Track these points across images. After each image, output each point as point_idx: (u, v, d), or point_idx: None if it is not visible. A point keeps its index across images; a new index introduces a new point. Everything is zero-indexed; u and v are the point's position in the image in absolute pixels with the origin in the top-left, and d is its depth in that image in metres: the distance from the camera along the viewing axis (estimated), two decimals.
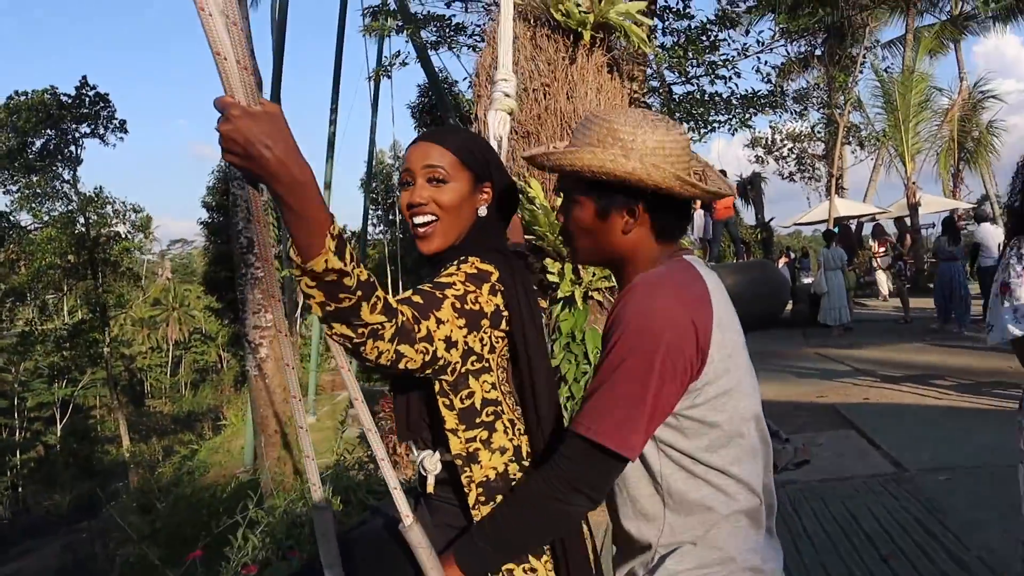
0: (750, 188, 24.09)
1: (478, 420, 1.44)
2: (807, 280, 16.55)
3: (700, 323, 1.32)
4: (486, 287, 1.43)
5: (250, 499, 4.43)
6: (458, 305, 1.37)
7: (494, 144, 2.81)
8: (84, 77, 25.89)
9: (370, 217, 32.25)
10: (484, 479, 1.44)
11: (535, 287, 1.58)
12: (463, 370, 1.42)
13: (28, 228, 26.80)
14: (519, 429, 1.49)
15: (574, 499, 1.31)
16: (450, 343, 1.35)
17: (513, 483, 1.46)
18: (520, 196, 3.08)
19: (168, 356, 51.37)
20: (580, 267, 5.30)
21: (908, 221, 19.15)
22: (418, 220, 1.53)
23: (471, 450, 1.44)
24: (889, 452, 5.75)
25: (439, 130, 1.60)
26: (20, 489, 38.42)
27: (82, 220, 26.25)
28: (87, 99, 24.14)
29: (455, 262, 1.47)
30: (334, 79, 17.04)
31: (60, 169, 25.15)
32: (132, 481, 22.30)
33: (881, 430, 6.35)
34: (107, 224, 27.69)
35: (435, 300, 1.35)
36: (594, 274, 5.27)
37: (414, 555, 1.35)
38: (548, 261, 5.26)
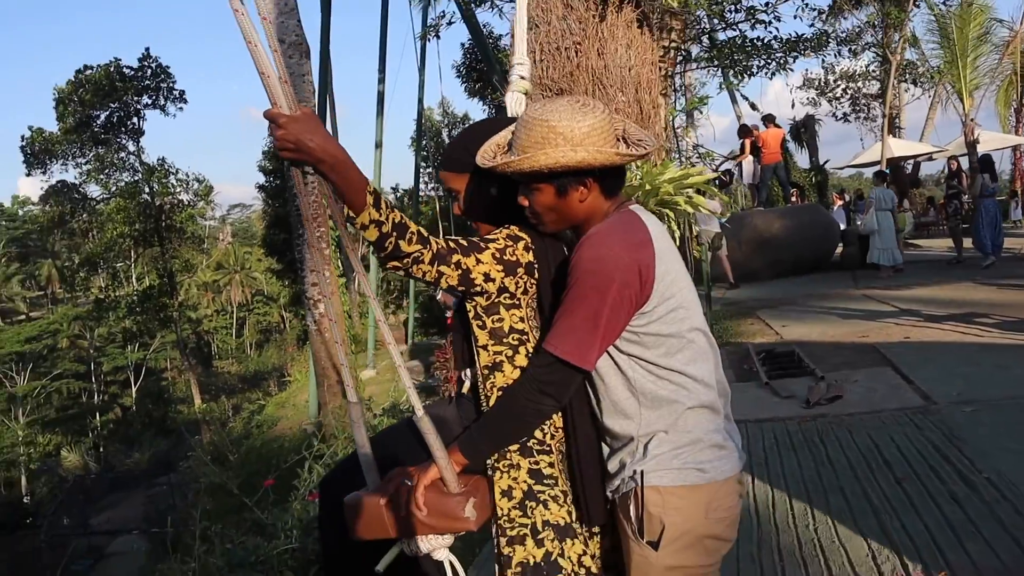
0: (803, 131, 23.73)
1: (504, 340, 1.81)
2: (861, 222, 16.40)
3: (643, 262, 1.66)
4: (521, 244, 1.80)
5: (316, 439, 4.86)
6: (498, 255, 1.76)
7: None
8: (147, 49, 26.55)
9: (421, 174, 32.62)
10: (504, 386, 1.80)
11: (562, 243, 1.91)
12: (496, 300, 1.80)
13: (97, 199, 27.86)
14: None
15: (543, 400, 1.69)
16: (488, 278, 1.75)
17: None
18: None
19: (232, 318, 52.88)
20: None
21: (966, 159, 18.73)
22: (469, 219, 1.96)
23: (496, 361, 1.81)
24: (921, 387, 5.93)
25: (442, 157, 2.00)
26: (102, 449, 40.41)
27: (147, 190, 27.18)
28: (149, 71, 24.85)
29: (500, 229, 1.85)
30: (381, 38, 17.20)
31: (124, 141, 26.02)
32: (204, 437, 23.33)
33: (917, 367, 6.51)
34: (171, 193, 28.60)
35: (479, 247, 1.76)
36: None
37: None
38: None
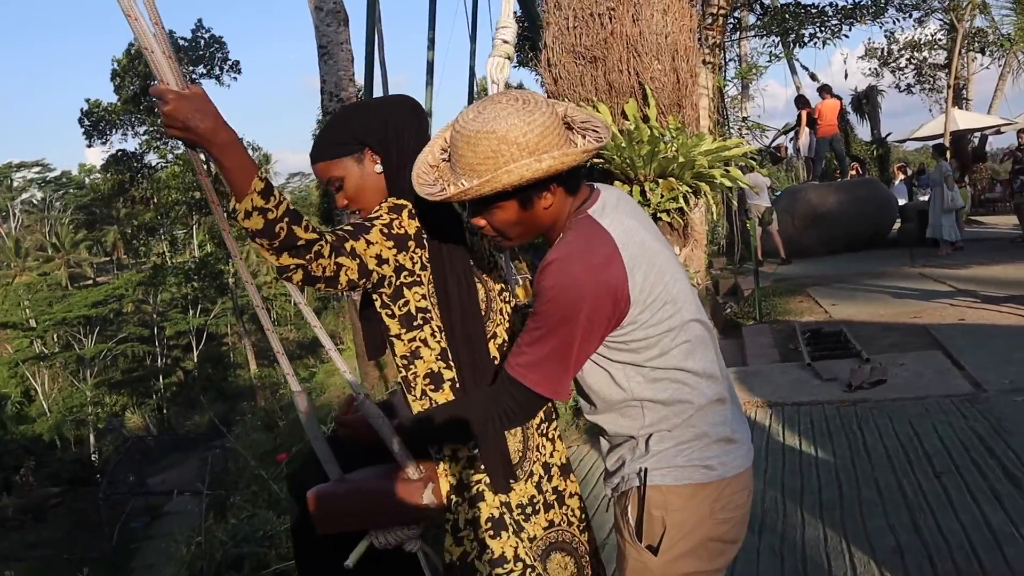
0: (865, 102, 22.89)
1: (415, 324, 1.70)
2: (923, 198, 15.79)
3: (612, 281, 1.48)
4: (405, 213, 1.68)
5: None
6: (385, 230, 1.63)
7: (492, 88, 2.99)
8: (199, 20, 27.01)
9: None
10: (428, 372, 1.71)
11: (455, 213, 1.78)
12: (398, 283, 1.68)
13: (155, 167, 28.44)
14: (445, 334, 1.73)
15: (506, 424, 1.62)
16: (381, 260, 1.62)
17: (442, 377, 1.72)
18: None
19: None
20: (648, 190, 5.36)
21: None
22: (350, 212, 1.83)
23: (413, 348, 1.71)
24: (971, 373, 5.64)
25: (313, 150, 1.83)
26: (165, 411, 41.70)
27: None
28: (202, 41, 25.18)
29: (381, 204, 1.72)
30: (430, 6, 17.00)
31: None
32: (258, 403, 23.85)
33: (969, 351, 6.20)
34: None
35: (364, 228, 1.62)
36: (662, 196, 5.31)
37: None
38: (617, 184, 5.32)
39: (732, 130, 13.44)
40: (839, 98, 15.95)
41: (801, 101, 14.71)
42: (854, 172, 18.04)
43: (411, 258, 1.66)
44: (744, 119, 13.36)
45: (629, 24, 5.37)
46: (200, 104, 1.41)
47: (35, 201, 62.22)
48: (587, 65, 5.50)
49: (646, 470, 1.58)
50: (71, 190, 57.60)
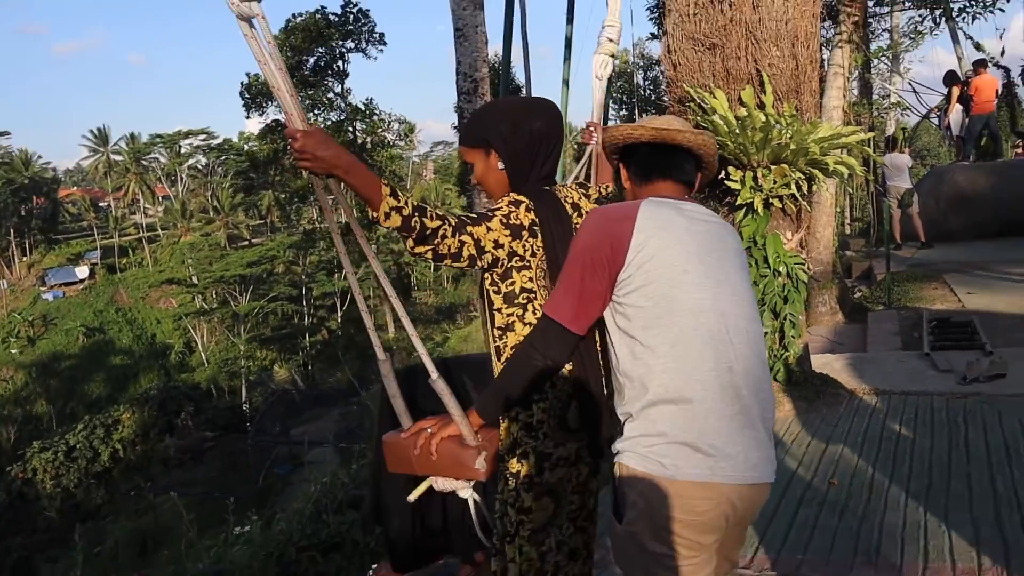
0: None
1: (516, 302, 2.01)
2: None
3: (616, 232, 1.80)
4: (522, 207, 1.99)
5: None
6: (504, 220, 1.95)
7: (595, 83, 3.20)
8: None
9: (613, 116, 32.35)
10: (515, 344, 2.01)
11: (567, 208, 2.11)
12: (508, 265, 1.99)
13: None
14: None
15: (534, 355, 1.87)
16: (497, 244, 1.93)
17: None
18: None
19: None
20: (760, 176, 5.42)
21: None
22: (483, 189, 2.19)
23: (508, 322, 2.02)
24: None
25: (460, 134, 2.23)
26: (309, 367, 44.13)
27: (351, 129, 28.93)
28: (351, 16, 26.27)
29: (503, 197, 2.04)
30: None
31: (331, 83, 27.77)
32: (395, 364, 24.90)
33: None
34: (375, 132, 30.26)
35: (487, 216, 1.95)
36: (775, 181, 5.36)
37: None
38: (730, 169, 5.41)
39: (876, 109, 12.93)
40: (1006, 69, 14.96)
41: (951, 77, 13.92)
42: (1019, 151, 16.86)
43: (523, 246, 1.95)
44: (883, 97, 12.77)
45: (749, 11, 5.40)
46: (322, 138, 1.73)
47: (199, 166, 66.73)
48: (705, 52, 5.58)
49: (619, 451, 1.82)
50: (231, 156, 61.30)
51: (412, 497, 2.08)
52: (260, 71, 1.74)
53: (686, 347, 1.75)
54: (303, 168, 1.77)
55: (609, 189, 2.46)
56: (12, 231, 57.90)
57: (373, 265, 2.00)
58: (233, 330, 46.13)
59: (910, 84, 15.74)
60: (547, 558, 2.03)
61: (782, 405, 5.29)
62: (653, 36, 21.94)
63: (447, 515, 2.83)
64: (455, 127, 28.31)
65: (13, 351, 48.97)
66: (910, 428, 4.79)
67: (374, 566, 2.97)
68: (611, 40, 3.23)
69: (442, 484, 2.02)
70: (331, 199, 1.95)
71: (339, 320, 46.30)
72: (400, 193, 1.79)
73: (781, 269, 5.41)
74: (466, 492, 2.04)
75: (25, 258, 59.29)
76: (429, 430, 1.98)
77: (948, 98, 13.87)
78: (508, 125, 2.06)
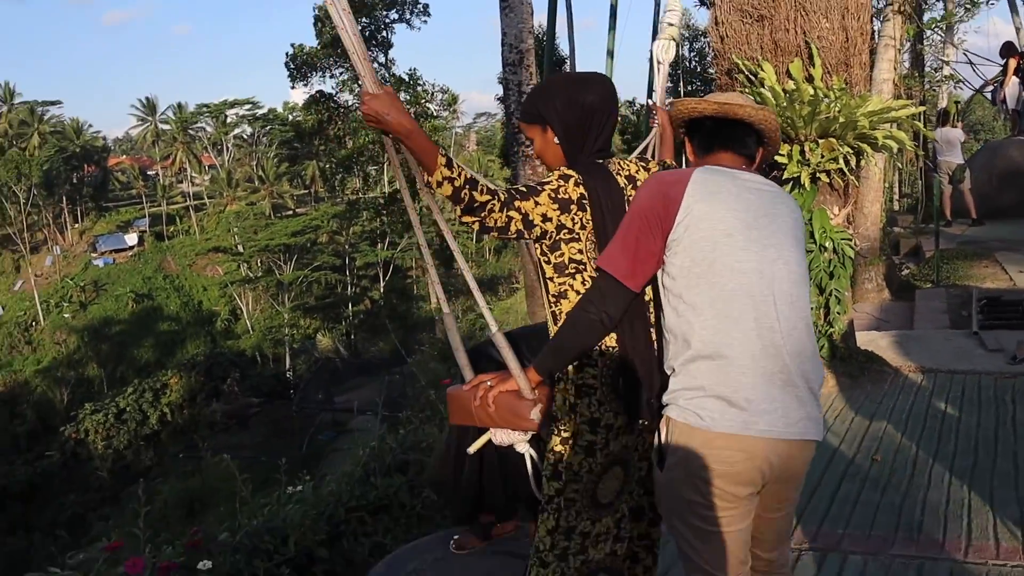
0: None
1: (566, 272, 2.06)
2: None
3: (669, 193, 1.88)
4: (571, 181, 2.03)
5: None
6: (553, 194, 1.99)
7: (656, 67, 3.22)
8: None
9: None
10: (569, 311, 2.06)
11: (621, 181, 2.14)
12: (557, 238, 2.03)
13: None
14: None
15: (589, 309, 1.92)
16: (546, 218, 1.99)
17: None
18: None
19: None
20: (807, 150, 5.38)
21: None
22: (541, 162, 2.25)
23: (561, 290, 2.08)
24: None
25: (520, 110, 2.29)
26: (352, 336, 44.73)
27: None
28: None
29: (554, 171, 2.09)
30: None
31: (375, 53, 27.81)
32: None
33: None
34: (419, 103, 30.32)
35: (535, 191, 2.00)
36: (822, 156, 5.32)
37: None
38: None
39: (928, 81, 12.64)
40: None
41: (1009, 48, 13.50)
42: None
43: (572, 219, 1.99)
44: (935, 70, 12.45)
45: None
46: (390, 101, 1.84)
47: (245, 136, 67.43)
48: (754, 24, 5.52)
49: (665, 404, 1.92)
50: (276, 126, 61.86)
51: (473, 449, 2.18)
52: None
53: (725, 305, 1.83)
54: (370, 126, 1.88)
55: (669, 163, 2.50)
56: (64, 198, 59.21)
57: (418, 235, 2.13)
58: (277, 298, 46.87)
59: (965, 55, 15.30)
60: (577, 526, 2.09)
61: (826, 381, 5.28)
62: (702, 2, 21.75)
63: (483, 477, 2.93)
64: (499, 98, 28.29)
65: (66, 315, 50.42)
66: (956, 406, 4.76)
67: (455, 536, 3.08)
68: (672, 24, 3.23)
69: (500, 437, 2.11)
70: (400, 158, 2.05)
71: (382, 290, 46.74)
72: (455, 164, 1.86)
73: (827, 244, 5.38)
74: (523, 447, 2.12)
75: (77, 225, 60.66)
76: (489, 383, 2.08)
77: (1004, 70, 13.46)
78: (562, 100, 2.10)
